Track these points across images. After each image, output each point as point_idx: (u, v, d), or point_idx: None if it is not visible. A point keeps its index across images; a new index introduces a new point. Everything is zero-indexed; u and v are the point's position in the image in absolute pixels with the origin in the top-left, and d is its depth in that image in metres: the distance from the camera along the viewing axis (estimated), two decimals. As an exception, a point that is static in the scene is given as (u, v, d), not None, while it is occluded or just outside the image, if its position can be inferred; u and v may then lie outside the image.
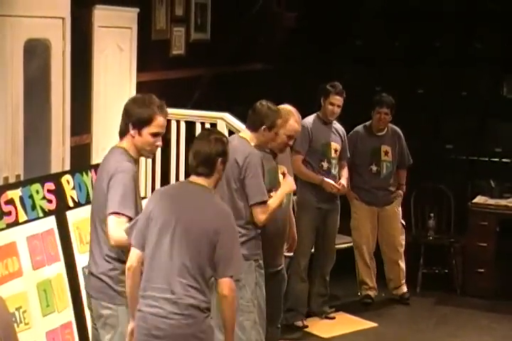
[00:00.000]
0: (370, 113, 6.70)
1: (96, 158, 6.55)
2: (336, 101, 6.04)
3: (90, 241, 4.07)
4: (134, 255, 3.70)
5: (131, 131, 3.85)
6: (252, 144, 4.69)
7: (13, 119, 5.74)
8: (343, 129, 6.25)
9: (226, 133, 6.94)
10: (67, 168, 6.17)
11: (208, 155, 3.72)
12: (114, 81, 7.02)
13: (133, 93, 7.28)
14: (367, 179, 6.59)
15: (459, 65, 8.99)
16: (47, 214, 4.70)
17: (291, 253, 5.52)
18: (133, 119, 3.85)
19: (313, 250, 6.22)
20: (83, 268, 4.68)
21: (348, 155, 6.31)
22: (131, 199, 3.77)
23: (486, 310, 6.63)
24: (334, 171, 6.09)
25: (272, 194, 4.84)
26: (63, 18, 6.19)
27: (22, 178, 5.64)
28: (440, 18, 9.54)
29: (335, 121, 6.21)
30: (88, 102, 6.69)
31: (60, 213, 4.79)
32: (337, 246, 6.61)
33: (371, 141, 6.59)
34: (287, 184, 4.74)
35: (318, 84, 6.32)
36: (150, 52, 7.54)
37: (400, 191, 6.72)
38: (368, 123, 6.65)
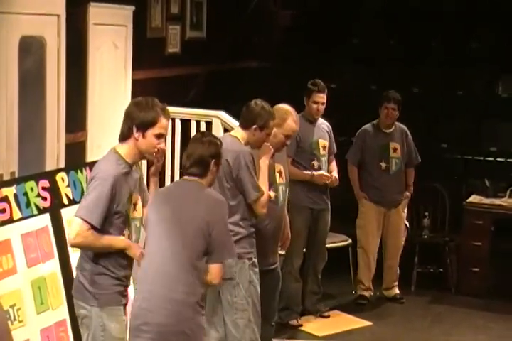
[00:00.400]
0: (368, 111, 6.71)
1: (91, 156, 6.54)
2: (320, 99, 6.04)
3: None
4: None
5: (135, 134, 3.84)
6: (243, 142, 4.67)
7: (7, 116, 5.73)
8: (328, 124, 6.25)
9: (221, 132, 6.96)
10: (62, 165, 6.16)
11: (201, 156, 3.79)
12: (109, 79, 7.01)
13: (128, 91, 7.27)
14: (376, 176, 6.60)
15: (454, 65, 8.99)
16: (41, 211, 4.69)
17: (283, 252, 5.51)
18: (136, 122, 3.83)
19: (304, 249, 6.21)
20: (77, 266, 4.67)
21: (335, 150, 6.29)
22: (102, 206, 3.74)
23: (481, 309, 6.64)
24: (325, 168, 6.10)
25: (271, 192, 4.84)
26: (58, 16, 6.18)
27: (16, 175, 5.63)
28: (437, 18, 9.55)
29: (319, 118, 6.21)
30: (83, 100, 6.68)
31: (54, 211, 4.78)
32: (332, 245, 6.62)
33: (379, 138, 6.61)
34: (263, 165, 4.70)
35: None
36: (145, 50, 7.52)
37: (408, 193, 6.73)
38: (375, 121, 6.67)
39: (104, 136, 6.71)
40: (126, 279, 3.86)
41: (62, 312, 4.71)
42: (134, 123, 3.85)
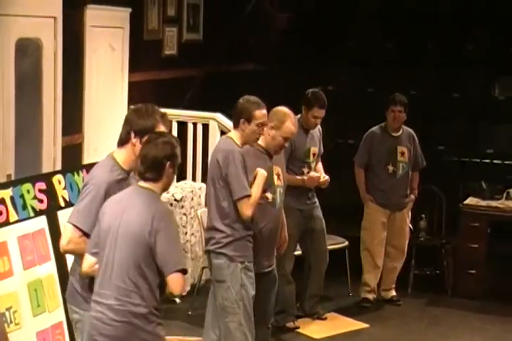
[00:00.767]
0: (365, 113, 6.71)
1: (87, 158, 6.55)
2: (319, 115, 6.03)
3: None
4: (85, 261, 3.70)
5: (133, 140, 3.84)
6: (238, 142, 4.66)
7: (4, 119, 5.72)
8: (319, 128, 6.23)
9: (218, 134, 6.97)
10: (59, 167, 6.16)
11: (155, 159, 3.61)
12: (106, 81, 7.01)
13: (125, 93, 7.28)
14: (383, 179, 6.59)
15: (451, 67, 9.01)
16: (38, 213, 4.69)
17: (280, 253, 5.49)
18: (135, 128, 3.84)
19: (299, 252, 6.20)
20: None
21: (322, 152, 6.28)
22: (94, 213, 3.74)
23: (477, 311, 6.64)
24: (312, 173, 6.10)
25: (267, 194, 4.83)
26: (55, 18, 6.18)
27: (13, 178, 5.62)
28: (433, 20, 9.56)
29: None
30: (80, 102, 6.68)
31: (51, 213, 4.78)
32: (329, 247, 6.61)
33: (387, 141, 6.60)
34: (261, 174, 4.66)
35: (313, 86, 6.31)
36: (142, 52, 7.53)
37: (413, 196, 6.73)
38: (383, 123, 6.66)
39: (100, 138, 6.71)
40: None
41: (59, 315, 4.71)
42: (133, 129, 3.85)
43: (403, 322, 6.45)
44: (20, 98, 5.88)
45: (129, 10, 7.22)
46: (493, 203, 7.03)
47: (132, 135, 3.84)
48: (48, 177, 4.89)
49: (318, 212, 6.18)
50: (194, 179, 7.10)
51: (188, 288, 6.63)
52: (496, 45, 9.18)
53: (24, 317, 4.47)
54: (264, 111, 4.69)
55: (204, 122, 7.07)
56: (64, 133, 6.42)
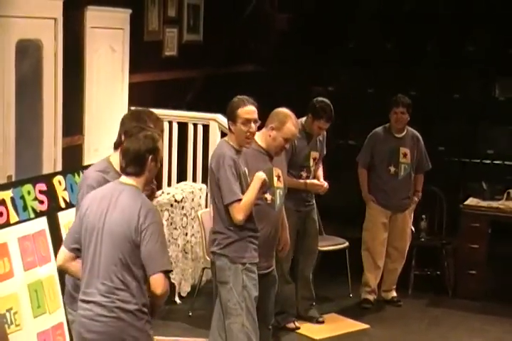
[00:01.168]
0: (366, 114, 6.70)
1: (88, 159, 6.55)
2: (325, 127, 6.04)
3: None
4: (61, 254, 3.68)
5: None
6: (234, 145, 4.65)
7: (4, 120, 5.73)
8: (323, 133, 6.24)
9: (219, 134, 6.97)
10: (59, 168, 6.16)
11: (137, 152, 3.56)
12: (106, 82, 7.01)
13: (125, 94, 7.28)
14: (385, 179, 6.60)
15: (451, 67, 9.01)
16: (38, 215, 4.70)
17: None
18: (124, 131, 3.85)
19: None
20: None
21: (324, 154, 6.29)
22: None
23: (478, 312, 6.63)
24: (311, 177, 6.10)
25: (266, 195, 4.83)
26: (55, 19, 6.19)
27: (13, 179, 5.63)
28: (433, 21, 9.57)
29: None
30: (80, 103, 6.68)
31: (51, 214, 4.79)
32: (329, 248, 6.61)
33: (390, 142, 6.60)
34: (257, 177, 4.62)
35: (313, 86, 6.32)
36: (142, 53, 7.53)
37: (416, 198, 6.73)
38: (387, 124, 6.66)
39: (101, 139, 6.72)
40: None
41: (59, 316, 4.71)
42: (124, 131, 3.86)
43: (403, 322, 6.44)
44: (21, 99, 5.88)
45: (129, 11, 7.22)
46: (494, 204, 7.03)
47: (123, 138, 3.84)
48: (48, 179, 4.90)
49: (314, 214, 6.19)
50: (194, 180, 7.10)
51: (188, 289, 6.64)
52: (496, 45, 9.18)
53: (25, 318, 4.48)
54: (248, 108, 4.61)
55: (204, 123, 7.07)
56: (64, 134, 6.42)
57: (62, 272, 3.71)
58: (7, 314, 4.36)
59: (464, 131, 8.43)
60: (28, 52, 6.01)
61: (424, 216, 7.20)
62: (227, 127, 6.90)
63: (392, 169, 6.59)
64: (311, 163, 6.09)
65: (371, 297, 6.73)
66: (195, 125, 7.11)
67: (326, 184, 6.04)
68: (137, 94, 7.33)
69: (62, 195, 4.91)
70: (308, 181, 6.00)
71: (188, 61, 8.37)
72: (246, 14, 9.81)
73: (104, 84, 6.96)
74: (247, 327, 4.62)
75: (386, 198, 6.61)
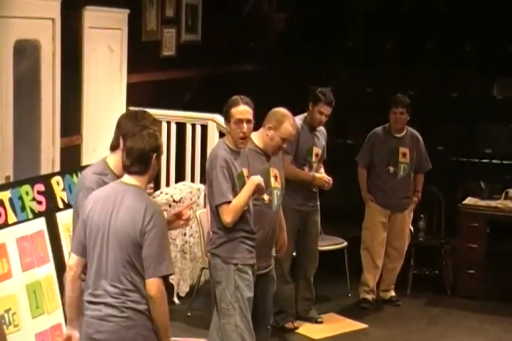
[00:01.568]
0: (365, 113, 6.70)
1: (86, 160, 6.55)
2: (325, 111, 6.02)
3: None
4: (72, 260, 3.67)
5: (121, 144, 3.86)
6: (231, 145, 4.65)
7: (2, 120, 5.73)
8: (325, 132, 6.24)
9: (217, 135, 6.97)
10: (57, 169, 6.16)
11: (141, 151, 3.57)
12: (104, 82, 7.01)
13: (124, 94, 7.28)
14: (384, 179, 6.60)
15: (450, 67, 9.01)
16: (36, 215, 4.70)
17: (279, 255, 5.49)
18: (122, 132, 3.86)
19: (294, 253, 6.20)
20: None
21: (325, 157, 6.30)
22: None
23: (476, 311, 6.64)
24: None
25: (263, 196, 4.83)
26: (53, 19, 6.19)
27: (12, 179, 5.62)
28: (432, 20, 9.57)
29: None
30: (78, 103, 6.68)
31: (49, 214, 4.79)
32: (328, 248, 6.61)
33: (389, 142, 6.60)
34: (251, 180, 4.60)
35: (312, 85, 6.31)
36: (140, 53, 7.53)
37: (415, 198, 6.73)
38: (387, 124, 6.67)
39: (99, 139, 6.71)
40: None
41: (58, 317, 4.72)
42: (121, 133, 3.86)
43: (402, 322, 6.45)
44: (19, 99, 5.88)
45: (127, 11, 7.22)
46: (492, 203, 7.03)
47: (121, 139, 3.85)
48: (46, 179, 4.90)
49: (317, 216, 6.17)
50: (193, 180, 7.09)
51: (187, 289, 6.64)
52: (495, 45, 9.18)
53: (23, 318, 4.48)
54: (242, 108, 4.59)
55: (203, 123, 7.07)
56: (62, 135, 6.42)
57: (74, 279, 3.69)
58: (5, 315, 4.36)
59: (463, 130, 8.43)
60: (26, 53, 6.01)
61: (422, 215, 7.20)
62: (225, 127, 6.93)
63: (392, 169, 6.60)
64: (314, 158, 6.07)
65: (370, 296, 6.73)
66: (193, 125, 7.11)
67: (330, 179, 6.03)
68: (135, 94, 7.33)
69: (61, 195, 4.91)
70: (317, 175, 5.98)
71: (186, 61, 8.37)
72: (244, 14, 9.81)
73: (102, 84, 6.96)
74: (240, 328, 4.61)
75: (385, 198, 6.61)
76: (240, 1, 9.81)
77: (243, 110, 4.60)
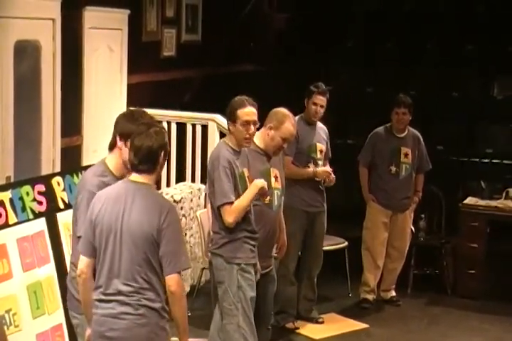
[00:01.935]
0: (365, 113, 6.70)
1: (87, 160, 6.55)
2: (319, 102, 6.04)
3: None
4: (82, 262, 3.67)
5: (118, 143, 3.86)
6: (233, 145, 4.65)
7: (3, 121, 5.73)
8: (325, 129, 6.25)
9: (217, 135, 6.98)
10: (58, 169, 6.17)
11: (150, 149, 3.57)
12: (104, 82, 7.02)
13: (124, 94, 7.29)
14: (386, 179, 6.60)
15: (450, 66, 9.01)
16: (37, 215, 4.70)
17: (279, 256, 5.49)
18: (120, 131, 3.86)
19: (300, 253, 6.20)
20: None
21: (330, 156, 6.30)
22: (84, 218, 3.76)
23: (477, 311, 6.64)
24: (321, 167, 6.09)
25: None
26: (53, 20, 6.19)
27: (12, 180, 5.63)
28: (433, 20, 9.56)
29: (318, 122, 6.21)
30: (79, 104, 6.69)
31: (50, 215, 4.79)
32: (328, 247, 6.61)
33: (391, 142, 6.60)
34: (254, 184, 4.61)
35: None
36: (141, 53, 7.54)
37: (416, 198, 6.73)
38: (388, 124, 6.67)
39: (99, 140, 6.71)
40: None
41: (59, 317, 4.71)
42: (118, 132, 3.87)
43: (403, 322, 6.45)
44: (19, 100, 5.88)
45: (128, 11, 7.23)
46: (493, 203, 7.03)
47: (118, 138, 3.85)
48: (47, 179, 4.90)
49: (323, 218, 6.17)
50: (193, 180, 7.10)
51: (187, 289, 6.64)
52: (495, 44, 9.17)
53: (24, 319, 4.48)
54: (248, 109, 4.59)
55: (203, 123, 7.08)
56: (63, 135, 6.42)
57: (87, 282, 3.69)
58: (6, 315, 4.36)
59: (463, 130, 8.42)
60: (26, 53, 6.02)
61: (423, 215, 7.20)
62: (226, 127, 6.92)
63: (394, 169, 6.60)
64: (318, 155, 6.06)
65: (370, 296, 6.73)
66: (193, 125, 7.12)
67: (333, 175, 5.99)
68: (136, 95, 7.33)
69: (61, 195, 4.91)
70: (318, 169, 5.96)
71: (186, 61, 8.37)
72: (244, 14, 9.81)
73: (102, 84, 6.97)
74: (243, 328, 4.61)
75: (387, 198, 6.61)
76: (240, 1, 9.81)
77: (250, 112, 4.60)
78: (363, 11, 10.09)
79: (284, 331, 6.06)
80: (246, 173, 4.67)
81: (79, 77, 6.66)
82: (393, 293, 6.84)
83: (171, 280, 3.55)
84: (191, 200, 6.70)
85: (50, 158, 6.27)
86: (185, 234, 6.62)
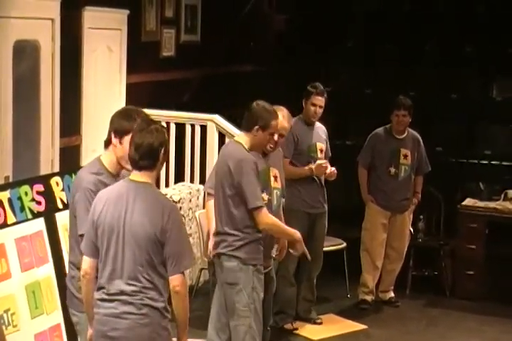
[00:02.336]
0: (365, 114, 6.69)
1: (86, 160, 6.54)
2: (318, 102, 6.04)
3: None
4: (85, 263, 3.67)
5: (113, 140, 3.86)
6: (247, 147, 4.65)
7: (1, 120, 5.73)
8: (324, 129, 6.26)
9: (216, 135, 6.98)
10: (57, 169, 6.17)
11: (151, 146, 3.58)
12: (103, 82, 7.01)
13: (123, 95, 7.28)
14: (385, 180, 6.60)
15: (449, 67, 9.01)
16: (36, 215, 4.70)
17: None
18: (115, 128, 3.86)
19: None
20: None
21: (330, 155, 6.29)
22: (86, 217, 3.74)
23: (475, 312, 6.64)
24: (319, 160, 6.08)
25: (263, 195, 4.82)
26: (53, 20, 6.19)
27: (11, 180, 5.63)
28: (432, 20, 9.56)
29: (316, 122, 6.21)
30: (78, 104, 6.69)
31: (49, 215, 4.78)
32: (328, 248, 6.61)
33: (390, 143, 6.61)
34: (296, 234, 4.78)
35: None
36: (140, 53, 7.53)
37: (415, 199, 6.73)
38: (388, 125, 6.67)
39: (98, 140, 6.67)
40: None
41: (57, 317, 4.71)
42: (113, 128, 3.87)
43: (401, 323, 6.45)
44: (18, 100, 5.88)
45: (127, 12, 7.23)
46: (491, 204, 7.03)
47: (113, 135, 3.86)
48: (45, 179, 4.89)
49: (324, 219, 6.17)
50: (192, 180, 7.09)
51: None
52: (495, 45, 9.18)
53: (22, 319, 4.48)
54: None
55: (202, 124, 7.07)
56: (62, 135, 6.42)
57: (91, 282, 3.69)
58: (4, 315, 4.36)
59: (462, 131, 8.42)
60: (25, 53, 6.01)
61: (421, 216, 7.21)
62: (224, 128, 6.94)
63: (393, 170, 6.60)
64: (319, 154, 6.06)
65: (369, 298, 6.73)
66: (192, 126, 7.11)
67: (334, 169, 5.97)
68: (135, 95, 7.33)
69: (60, 195, 4.90)
70: (312, 165, 5.95)
71: (185, 61, 8.37)
72: (244, 14, 9.80)
73: (101, 84, 6.97)
74: (253, 329, 4.62)
75: (386, 199, 6.61)
76: (240, 1, 9.81)
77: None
78: (362, 11, 10.08)
79: (282, 332, 6.06)
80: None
81: (78, 77, 6.66)
82: (392, 294, 6.83)
83: (176, 280, 3.56)
84: (190, 201, 6.69)
85: (48, 158, 6.27)
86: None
